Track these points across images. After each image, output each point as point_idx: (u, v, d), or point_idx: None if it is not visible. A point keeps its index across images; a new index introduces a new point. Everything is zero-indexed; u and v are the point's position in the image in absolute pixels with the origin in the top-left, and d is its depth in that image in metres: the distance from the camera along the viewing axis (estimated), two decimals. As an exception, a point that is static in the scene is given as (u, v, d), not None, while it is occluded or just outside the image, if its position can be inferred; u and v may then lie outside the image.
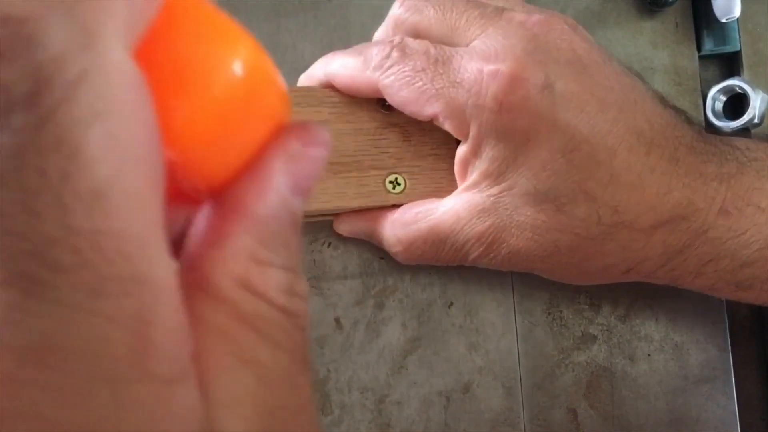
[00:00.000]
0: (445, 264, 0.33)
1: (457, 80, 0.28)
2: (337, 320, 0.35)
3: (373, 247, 0.36)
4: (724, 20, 0.36)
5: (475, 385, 0.35)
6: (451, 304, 0.36)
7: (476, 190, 0.29)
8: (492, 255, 0.30)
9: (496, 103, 0.27)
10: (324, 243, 0.36)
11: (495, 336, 0.35)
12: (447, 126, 0.29)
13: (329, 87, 0.32)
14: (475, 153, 0.29)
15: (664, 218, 0.28)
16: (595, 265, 0.30)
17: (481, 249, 0.30)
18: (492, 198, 0.29)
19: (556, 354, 0.35)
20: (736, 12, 0.36)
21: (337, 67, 0.31)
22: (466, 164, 0.30)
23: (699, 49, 0.38)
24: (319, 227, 0.36)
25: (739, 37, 0.37)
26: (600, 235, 0.28)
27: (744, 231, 0.28)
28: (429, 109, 0.29)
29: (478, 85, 0.27)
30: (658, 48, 0.38)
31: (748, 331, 0.38)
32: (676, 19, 0.38)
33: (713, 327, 0.36)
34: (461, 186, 0.30)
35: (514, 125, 0.27)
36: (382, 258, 0.36)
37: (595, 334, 0.36)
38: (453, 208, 0.30)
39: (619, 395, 0.35)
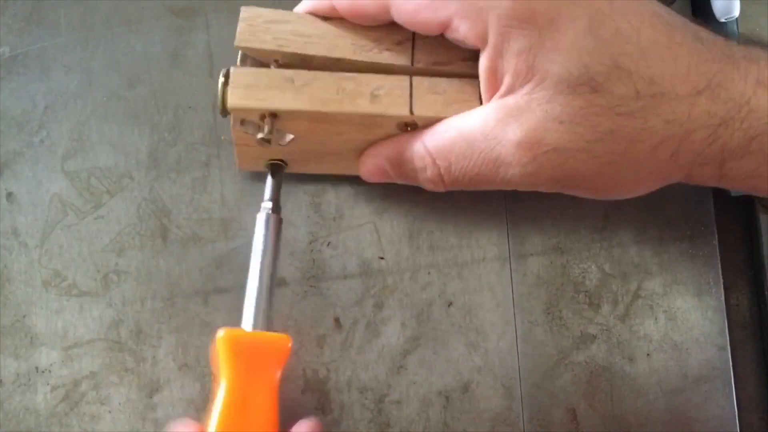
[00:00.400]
0: (475, 184, 0.30)
1: None
2: (336, 320, 0.35)
3: (373, 247, 0.36)
4: (723, 20, 0.36)
5: (475, 385, 0.35)
6: (451, 303, 0.36)
7: (510, 94, 0.28)
8: (527, 158, 0.28)
9: None
10: (324, 243, 0.36)
11: (494, 336, 0.36)
12: (462, 29, 0.28)
13: (329, 11, 0.31)
14: (498, 52, 0.27)
15: (702, 85, 0.27)
16: (642, 149, 0.28)
17: (514, 151, 0.28)
18: (524, 96, 0.27)
19: (556, 354, 0.36)
20: (736, 12, 0.36)
21: None
22: (494, 71, 0.28)
23: (698, 49, 0.38)
24: (319, 227, 0.36)
25: (739, 37, 0.37)
26: (641, 110, 0.27)
27: None
28: (443, 11, 0.28)
29: None
30: (658, 48, 0.38)
31: (748, 331, 0.38)
32: (675, 19, 0.38)
33: (713, 327, 0.36)
34: (494, 97, 0.29)
35: (535, 9, 0.27)
36: (381, 258, 0.36)
37: (595, 333, 0.36)
38: (483, 112, 0.29)
39: (618, 395, 0.35)
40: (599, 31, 0.27)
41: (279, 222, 0.32)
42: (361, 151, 0.33)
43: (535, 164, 0.28)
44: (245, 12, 0.31)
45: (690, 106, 0.27)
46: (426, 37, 0.31)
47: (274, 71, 0.31)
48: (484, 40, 0.28)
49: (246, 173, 0.36)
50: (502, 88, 0.28)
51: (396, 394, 0.35)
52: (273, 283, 0.31)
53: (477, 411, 0.35)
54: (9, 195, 0.36)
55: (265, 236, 0.31)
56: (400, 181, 0.33)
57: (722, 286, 0.36)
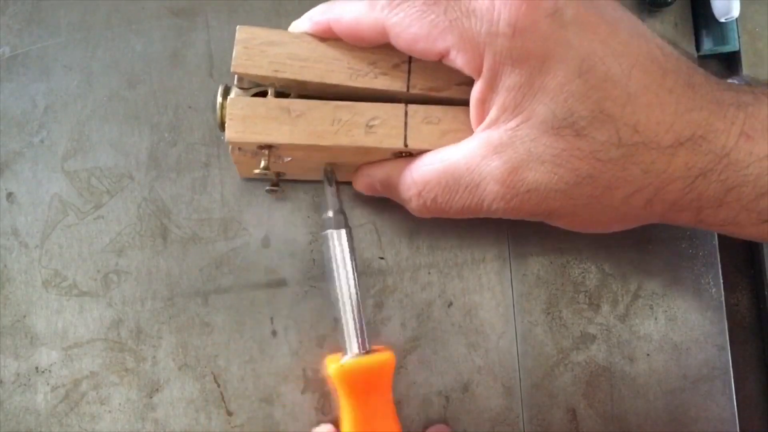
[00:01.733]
0: (461, 215, 0.31)
1: (470, 10, 0.28)
2: (336, 320, 0.35)
3: (373, 247, 0.36)
4: (723, 20, 0.36)
5: (475, 385, 0.35)
6: (451, 303, 0.36)
7: (494, 126, 0.28)
8: (510, 195, 0.29)
9: (510, 28, 0.27)
10: (324, 243, 0.36)
11: (494, 336, 0.36)
12: (459, 61, 0.28)
13: (326, 32, 0.31)
14: (491, 86, 0.28)
15: (685, 137, 0.27)
16: (617, 195, 0.28)
17: (497, 187, 0.29)
18: (509, 132, 0.28)
19: (556, 354, 0.36)
20: (735, 12, 0.36)
21: (339, 11, 0.30)
22: (483, 102, 0.29)
23: (698, 48, 0.38)
24: (319, 227, 0.36)
25: (739, 37, 0.37)
26: (621, 158, 0.27)
27: (766, 155, 0.27)
28: (441, 43, 0.28)
29: (490, 13, 0.27)
30: (658, 48, 0.38)
31: (747, 331, 0.38)
32: (675, 19, 0.38)
33: (713, 327, 0.36)
34: (479, 127, 0.29)
35: (529, 49, 0.27)
36: (381, 258, 0.36)
37: (595, 333, 0.36)
38: (468, 146, 0.29)
39: (618, 395, 0.35)
40: (588, 74, 0.27)
41: (350, 234, 0.32)
42: (356, 167, 0.34)
43: (516, 200, 0.29)
44: (241, 33, 0.31)
45: (670, 157, 0.27)
46: (421, 62, 0.31)
47: (270, 101, 0.31)
48: (479, 72, 0.28)
49: (246, 173, 0.36)
50: (487, 120, 0.29)
51: (396, 394, 0.35)
52: (359, 299, 0.31)
53: (477, 411, 0.35)
54: (9, 195, 0.36)
55: (342, 253, 0.31)
56: (391, 198, 0.34)
57: (722, 286, 0.36)
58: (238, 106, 0.30)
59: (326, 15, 0.31)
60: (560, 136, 0.27)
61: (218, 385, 0.34)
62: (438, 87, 0.31)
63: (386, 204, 0.36)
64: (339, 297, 0.31)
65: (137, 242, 0.35)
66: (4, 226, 0.35)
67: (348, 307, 0.31)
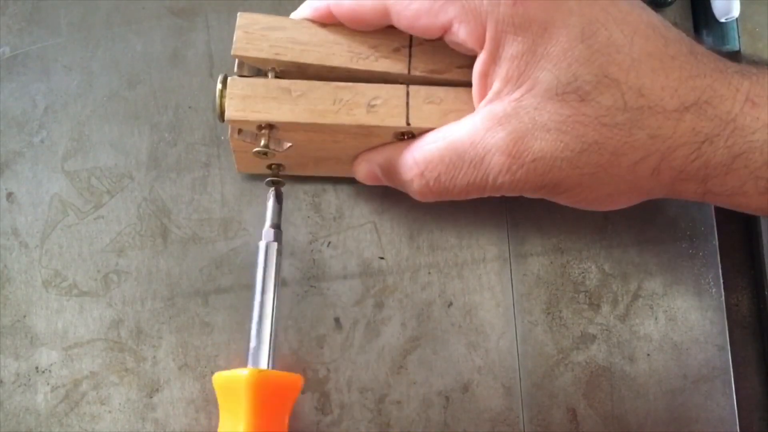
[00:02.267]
0: (464, 194, 0.30)
1: None
2: (336, 320, 0.35)
3: (373, 247, 0.36)
4: (723, 20, 0.36)
5: (475, 385, 0.35)
6: (451, 303, 0.36)
7: (497, 99, 0.28)
8: (516, 166, 0.28)
9: None
10: (324, 243, 0.36)
11: (494, 336, 0.36)
12: (462, 33, 0.28)
13: (326, 17, 0.31)
14: (493, 57, 0.28)
15: (690, 101, 0.27)
16: (623, 162, 0.28)
17: (502, 159, 0.28)
18: (513, 103, 0.28)
19: (556, 354, 0.36)
20: (735, 12, 0.36)
21: None
22: (485, 75, 0.28)
23: (698, 49, 0.38)
24: (319, 227, 0.36)
25: (739, 37, 0.37)
26: (627, 122, 0.27)
27: None
28: (443, 16, 0.28)
29: None
30: (658, 48, 0.38)
31: (747, 331, 0.38)
32: (675, 18, 0.38)
33: (713, 327, 0.36)
34: (482, 101, 0.29)
35: (531, 16, 0.27)
36: (381, 258, 0.36)
37: (595, 333, 0.36)
38: (471, 121, 0.29)
39: (618, 395, 0.35)
40: (591, 39, 0.27)
41: (279, 252, 0.32)
42: (353, 157, 0.33)
43: (522, 171, 0.28)
44: (242, 19, 0.31)
45: (676, 121, 0.27)
46: (423, 44, 0.31)
47: (270, 81, 0.31)
48: (481, 44, 0.28)
49: (246, 173, 0.36)
50: (490, 93, 0.28)
51: (396, 394, 0.35)
52: (274, 317, 0.31)
53: (477, 411, 0.35)
54: (9, 195, 0.36)
55: (266, 267, 0.31)
56: (393, 186, 0.33)
57: (722, 286, 0.36)
58: (238, 86, 0.30)
59: (325, 2, 0.31)
60: (565, 102, 0.27)
61: (218, 385, 0.34)
62: (439, 69, 0.31)
63: (386, 204, 0.36)
64: (257, 309, 0.31)
65: (137, 242, 0.35)
66: (4, 226, 0.35)
67: (266, 320, 0.30)
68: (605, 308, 0.36)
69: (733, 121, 0.27)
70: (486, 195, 0.30)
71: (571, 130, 0.27)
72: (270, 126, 0.30)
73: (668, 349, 0.36)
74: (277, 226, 0.32)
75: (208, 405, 0.34)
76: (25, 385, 0.34)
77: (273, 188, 0.33)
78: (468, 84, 0.31)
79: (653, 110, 0.27)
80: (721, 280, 0.37)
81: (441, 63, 0.31)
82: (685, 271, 0.37)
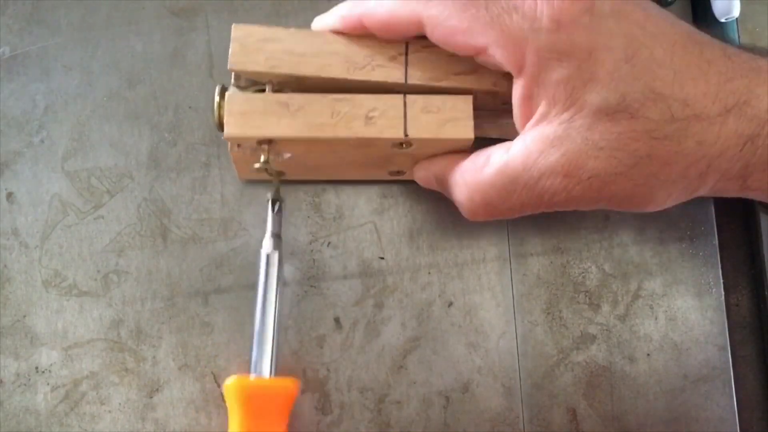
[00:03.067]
0: (516, 213, 0.31)
1: (511, 7, 0.28)
2: (336, 320, 0.35)
3: (373, 247, 0.36)
4: (723, 20, 0.36)
5: (475, 385, 0.35)
6: (451, 303, 0.36)
7: (545, 122, 0.29)
8: (572, 184, 0.29)
9: (554, 23, 0.27)
10: (324, 243, 0.36)
11: (494, 336, 0.36)
12: (499, 56, 0.28)
13: (356, 27, 0.31)
14: (536, 81, 0.28)
15: (730, 104, 0.28)
16: (675, 171, 0.29)
17: (558, 180, 0.29)
18: (564, 125, 0.28)
19: (556, 354, 0.36)
20: (736, 12, 0.36)
21: (371, 5, 0.30)
22: (528, 99, 0.29)
23: (698, 49, 0.38)
24: (319, 227, 0.36)
25: (739, 37, 0.37)
26: (676, 133, 0.28)
27: None
28: (481, 38, 0.28)
29: (532, 10, 0.28)
30: (658, 48, 0.38)
31: (747, 331, 0.38)
32: (675, 19, 0.38)
33: (713, 327, 0.36)
34: (528, 123, 0.29)
35: (574, 42, 0.27)
36: (382, 258, 0.36)
37: (595, 333, 0.36)
38: (523, 144, 0.29)
39: (618, 395, 0.35)
40: (635, 59, 0.28)
41: (280, 261, 0.32)
42: (358, 163, 0.33)
43: (578, 188, 0.29)
44: (237, 30, 0.31)
45: (720, 125, 0.28)
46: (419, 52, 0.31)
47: (268, 96, 0.31)
48: (521, 69, 0.28)
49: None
50: (537, 115, 0.29)
51: (396, 394, 0.35)
52: (277, 323, 0.31)
53: (477, 411, 0.35)
54: (9, 195, 0.36)
55: (268, 275, 0.32)
56: (449, 197, 0.33)
57: (722, 286, 0.36)
58: (236, 102, 0.30)
59: (357, 9, 0.31)
60: (615, 121, 0.28)
61: (218, 385, 0.34)
62: (437, 77, 0.31)
63: (386, 204, 0.36)
64: (259, 316, 0.31)
65: (137, 242, 0.35)
66: (4, 226, 0.35)
67: (268, 328, 0.31)
68: (605, 308, 0.36)
69: None
70: (539, 212, 0.31)
71: (624, 147, 0.28)
72: (269, 141, 0.30)
73: (668, 349, 0.36)
74: (277, 236, 0.32)
75: (208, 405, 0.34)
76: (25, 385, 0.34)
77: (272, 198, 0.33)
78: (465, 91, 0.31)
79: (699, 118, 0.28)
80: (721, 280, 0.37)
81: (438, 70, 0.31)
82: (685, 271, 0.37)
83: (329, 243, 0.36)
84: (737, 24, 0.37)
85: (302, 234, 0.36)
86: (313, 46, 0.31)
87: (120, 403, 0.34)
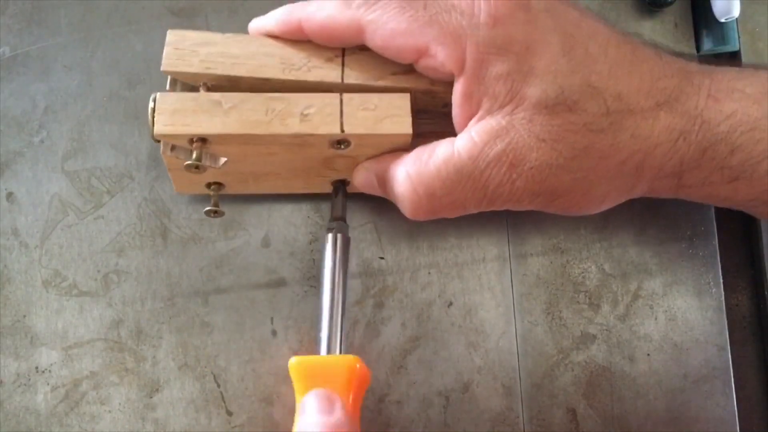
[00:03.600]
0: (458, 209, 0.31)
1: (449, 6, 0.29)
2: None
3: (373, 247, 0.36)
4: (723, 20, 0.36)
5: (475, 385, 0.35)
6: (451, 303, 0.36)
7: (489, 116, 0.29)
8: (515, 176, 0.29)
9: (491, 18, 0.28)
10: (324, 243, 0.36)
11: (494, 336, 0.36)
12: (441, 55, 0.29)
13: (295, 32, 0.31)
14: (476, 78, 0.29)
15: (662, 100, 0.29)
16: (611, 164, 0.30)
17: (503, 170, 0.29)
18: (506, 117, 0.29)
19: (556, 354, 0.36)
20: (735, 12, 0.36)
21: (311, 10, 0.30)
22: (469, 97, 0.29)
23: (698, 48, 0.38)
24: (319, 227, 0.36)
25: (739, 37, 0.37)
26: (611, 126, 0.29)
27: (733, 112, 0.29)
28: (421, 37, 0.29)
29: (470, 7, 0.28)
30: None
31: (747, 331, 0.38)
32: (675, 19, 0.38)
33: (713, 327, 0.36)
34: (472, 120, 0.30)
35: (512, 36, 0.28)
36: (382, 258, 0.36)
37: (595, 333, 0.36)
38: (468, 137, 0.29)
39: (618, 395, 0.35)
40: (571, 53, 0.29)
41: (347, 242, 0.32)
42: (298, 170, 0.33)
43: (521, 180, 0.29)
44: (171, 35, 0.31)
45: (653, 120, 0.29)
46: (356, 53, 0.31)
47: (201, 95, 0.30)
48: (461, 66, 0.29)
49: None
50: (481, 111, 0.29)
51: (396, 394, 0.35)
52: (344, 304, 0.32)
53: (477, 411, 0.35)
54: (9, 195, 0.36)
55: (334, 258, 0.32)
56: (387, 198, 0.33)
57: (722, 286, 0.36)
58: (167, 101, 0.30)
59: (296, 14, 0.31)
60: (555, 114, 0.29)
61: (218, 385, 0.34)
62: (373, 77, 0.31)
63: (386, 204, 0.36)
64: (329, 297, 0.31)
65: (137, 242, 0.35)
66: (4, 226, 0.35)
67: (326, 308, 0.31)
68: (605, 308, 0.36)
69: (700, 115, 0.29)
70: (479, 210, 0.31)
71: (563, 139, 0.29)
72: (202, 140, 0.30)
73: (668, 349, 0.36)
74: (341, 219, 0.33)
75: (208, 405, 0.34)
76: (25, 385, 0.34)
77: (335, 182, 0.34)
78: (402, 90, 0.31)
79: (632, 112, 0.29)
80: (721, 280, 0.37)
81: (375, 71, 0.31)
82: (685, 271, 0.37)
83: (329, 243, 0.36)
84: (737, 24, 0.37)
85: (302, 234, 0.36)
86: (249, 48, 0.31)
87: (120, 403, 0.34)
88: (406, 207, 0.32)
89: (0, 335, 0.34)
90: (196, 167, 0.30)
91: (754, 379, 0.38)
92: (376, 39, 0.29)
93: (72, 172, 0.36)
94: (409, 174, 0.30)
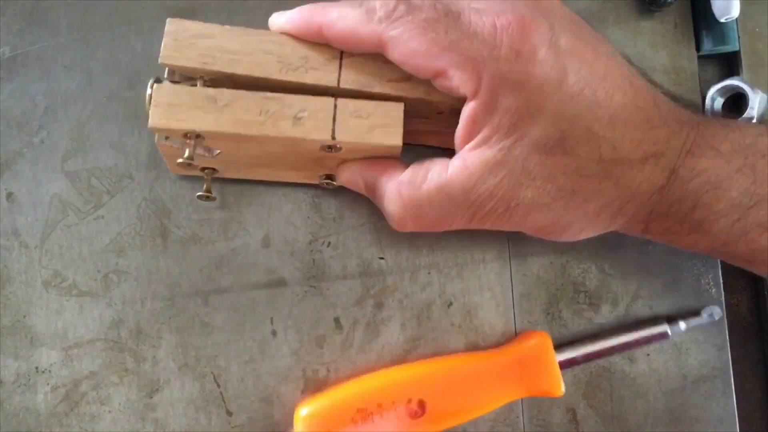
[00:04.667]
0: (443, 228, 0.32)
1: (471, 32, 0.28)
2: (336, 320, 0.35)
3: (373, 247, 0.36)
4: (723, 20, 0.36)
5: (475, 385, 0.35)
6: (451, 303, 0.36)
7: (486, 146, 0.29)
8: (501, 210, 0.30)
9: (513, 53, 0.28)
10: (324, 243, 0.36)
11: (494, 336, 0.36)
12: (457, 79, 0.29)
13: (315, 35, 0.31)
14: (487, 106, 0.29)
15: (651, 152, 0.30)
16: (591, 208, 0.30)
17: (492, 203, 0.30)
18: (503, 151, 0.29)
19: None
20: (735, 12, 0.36)
21: (334, 17, 0.30)
22: (476, 121, 0.29)
23: (698, 49, 0.38)
24: (319, 227, 0.36)
25: (738, 37, 0.37)
26: (599, 173, 0.29)
27: (704, 170, 0.30)
28: (439, 61, 0.29)
29: (492, 37, 0.28)
30: (658, 48, 0.38)
31: (747, 331, 0.38)
32: (675, 19, 0.38)
33: (712, 327, 0.36)
34: (468, 145, 0.30)
35: (529, 73, 0.28)
36: (381, 258, 0.36)
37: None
38: (464, 165, 0.30)
39: (618, 395, 0.35)
40: (579, 98, 0.29)
41: None
42: (290, 164, 0.33)
43: (507, 214, 0.30)
44: (171, 24, 0.31)
45: (638, 171, 0.30)
46: (354, 57, 0.31)
47: (197, 90, 0.30)
48: (475, 93, 0.29)
49: (246, 173, 0.36)
50: (478, 138, 0.30)
51: (396, 394, 0.35)
52: None
53: (477, 411, 0.35)
54: (9, 195, 0.36)
55: None
56: (372, 200, 0.34)
57: (722, 286, 0.36)
58: (163, 93, 0.30)
59: (318, 18, 0.30)
60: (551, 154, 0.29)
61: (218, 385, 0.34)
62: (369, 83, 0.31)
63: (386, 204, 0.36)
64: None
65: (137, 242, 0.35)
66: (4, 226, 0.35)
67: None
68: (605, 308, 0.36)
69: (675, 172, 0.30)
70: (461, 229, 0.32)
71: (554, 180, 0.29)
72: (196, 135, 0.30)
73: (668, 349, 0.36)
74: None
75: (208, 405, 0.34)
76: (25, 385, 0.34)
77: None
78: (397, 98, 0.31)
79: (622, 161, 0.29)
80: (721, 280, 0.37)
81: (371, 76, 0.31)
82: (685, 271, 0.37)
83: (329, 243, 0.36)
84: (737, 24, 0.37)
85: (302, 234, 0.36)
86: (247, 44, 0.31)
87: (120, 403, 0.34)
88: (393, 222, 0.33)
89: (0, 335, 0.34)
90: (189, 163, 0.30)
91: (754, 379, 0.38)
92: (395, 54, 0.29)
93: (72, 172, 0.36)
94: (402, 195, 0.31)
